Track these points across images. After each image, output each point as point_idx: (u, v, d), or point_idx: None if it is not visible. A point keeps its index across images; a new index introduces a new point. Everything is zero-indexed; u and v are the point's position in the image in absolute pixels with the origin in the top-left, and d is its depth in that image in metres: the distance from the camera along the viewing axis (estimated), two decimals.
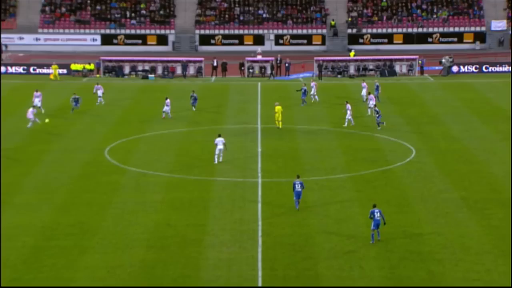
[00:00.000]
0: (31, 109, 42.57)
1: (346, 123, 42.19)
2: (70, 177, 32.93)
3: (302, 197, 28.88)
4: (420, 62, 63.55)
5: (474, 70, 63.29)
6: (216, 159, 35.07)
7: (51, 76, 60.53)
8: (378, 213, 25.83)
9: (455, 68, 63.03)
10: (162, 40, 79.14)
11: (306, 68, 65.16)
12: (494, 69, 63.14)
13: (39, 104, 45.64)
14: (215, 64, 63.96)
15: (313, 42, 79.46)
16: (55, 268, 23.61)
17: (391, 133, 41.56)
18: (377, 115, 41.90)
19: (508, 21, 76.88)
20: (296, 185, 28.59)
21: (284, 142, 39.83)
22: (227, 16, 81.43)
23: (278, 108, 43.13)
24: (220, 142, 35.30)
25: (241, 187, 31.59)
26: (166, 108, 44.81)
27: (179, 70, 63.93)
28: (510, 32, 76.33)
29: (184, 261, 24.27)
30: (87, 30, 78.31)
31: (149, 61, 64.19)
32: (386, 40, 78.97)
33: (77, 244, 25.41)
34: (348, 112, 42.42)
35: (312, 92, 50.07)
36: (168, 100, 45.10)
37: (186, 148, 38.40)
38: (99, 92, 49.90)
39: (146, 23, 79.76)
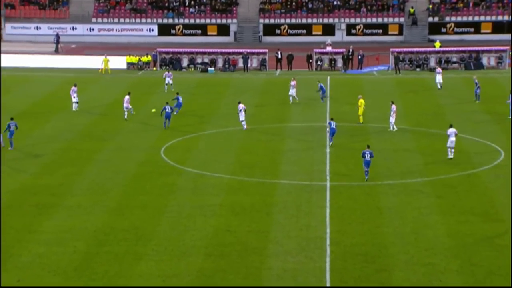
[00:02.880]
0: (127, 97, 43.43)
1: (391, 127, 41.11)
2: (124, 178, 33.62)
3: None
4: (511, 53, 61.88)
5: None
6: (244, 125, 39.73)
7: (101, 70, 61.81)
8: (369, 155, 32.07)
9: None
10: (223, 30, 79.82)
11: (381, 60, 64.49)
12: None
13: (76, 100, 46.36)
14: (280, 56, 64.08)
15: (389, 32, 78.50)
16: (108, 276, 24.15)
17: (477, 132, 40.68)
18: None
19: None
20: (366, 155, 32.56)
21: (355, 142, 39.55)
22: (294, 3, 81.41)
23: (361, 101, 43.21)
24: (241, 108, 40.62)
25: (308, 191, 31.57)
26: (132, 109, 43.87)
27: (241, 63, 64.33)
28: None
29: (245, 271, 24.42)
30: (143, 20, 79.76)
31: (209, 53, 64.87)
32: (472, 30, 77.26)
33: (131, 251, 25.92)
34: (392, 114, 40.98)
35: (290, 93, 48.46)
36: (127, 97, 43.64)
37: (248, 148, 38.65)
38: (168, 79, 52.72)
39: (206, 12, 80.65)
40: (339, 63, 63.72)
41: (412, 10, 78.39)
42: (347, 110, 47.46)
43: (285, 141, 40.16)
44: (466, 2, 78.30)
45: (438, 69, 54.44)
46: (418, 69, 62.58)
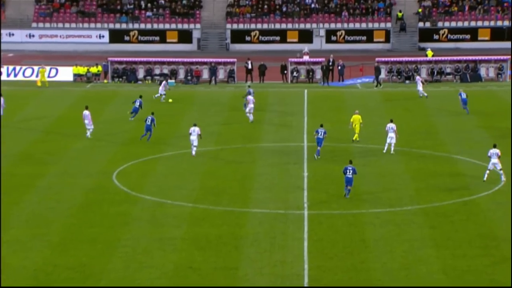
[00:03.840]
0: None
1: (386, 148, 41.40)
2: (69, 207, 33.37)
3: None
4: None
5: None
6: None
7: (38, 82, 61.41)
8: (351, 171, 33.44)
9: None
10: (185, 36, 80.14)
11: (365, 71, 65.17)
12: None
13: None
14: (250, 66, 64.43)
15: (375, 39, 79.50)
16: None
17: (475, 153, 41.18)
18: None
19: None
20: (348, 171, 33.71)
21: (337, 164, 39.77)
22: (266, 6, 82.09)
23: (356, 117, 43.58)
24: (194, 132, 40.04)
25: (283, 221, 31.61)
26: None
27: (205, 74, 64.51)
28: None
29: None
30: (92, 25, 79.73)
31: (169, 63, 65.00)
32: (468, 36, 78.55)
33: None
34: (391, 135, 41.05)
35: (247, 109, 48.57)
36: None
37: (214, 172, 38.65)
38: (162, 90, 54.20)
39: (165, 16, 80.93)
40: (318, 74, 64.24)
41: (400, 15, 79.35)
42: (327, 128, 47.69)
43: (257, 163, 40.23)
44: (461, 5, 79.48)
45: (418, 77, 55.65)
46: (407, 81, 63.30)
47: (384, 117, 50.19)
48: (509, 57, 63.23)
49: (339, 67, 63.57)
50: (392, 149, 41.57)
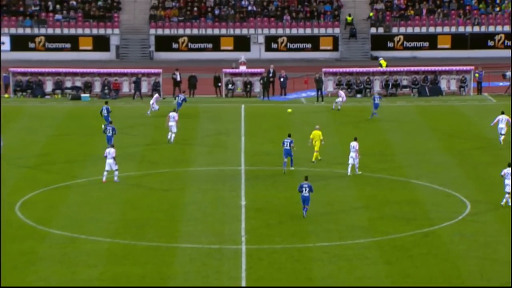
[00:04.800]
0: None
1: (349, 170, 42.11)
2: None
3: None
4: (476, 75, 64.24)
5: None
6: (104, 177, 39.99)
7: None
8: (307, 189, 35.05)
9: None
10: (101, 43, 79.74)
11: (310, 84, 65.74)
12: None
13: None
14: (178, 78, 64.39)
15: (321, 47, 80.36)
16: None
17: (435, 178, 41.77)
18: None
19: None
20: (304, 189, 35.22)
21: (279, 191, 39.90)
22: (196, 9, 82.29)
23: (316, 133, 44.34)
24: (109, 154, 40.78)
25: (217, 258, 31.55)
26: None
27: (126, 87, 64.21)
28: None
29: None
30: None
31: (83, 74, 64.53)
32: (426, 44, 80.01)
33: None
34: (353, 155, 41.92)
35: (169, 125, 48.86)
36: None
37: (136, 201, 38.41)
38: (154, 104, 55.93)
39: (78, 19, 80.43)
40: (257, 87, 64.56)
41: (349, 19, 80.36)
42: (268, 150, 47.94)
43: (187, 191, 40.12)
44: (418, 9, 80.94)
45: (340, 92, 58.46)
46: (359, 95, 64.06)
47: (332, 136, 50.63)
48: (473, 68, 64.46)
49: (281, 79, 63.99)
50: (357, 170, 41.99)
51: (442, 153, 46.94)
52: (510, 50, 78.07)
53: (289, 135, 43.40)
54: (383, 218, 35.93)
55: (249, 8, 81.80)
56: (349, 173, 42.03)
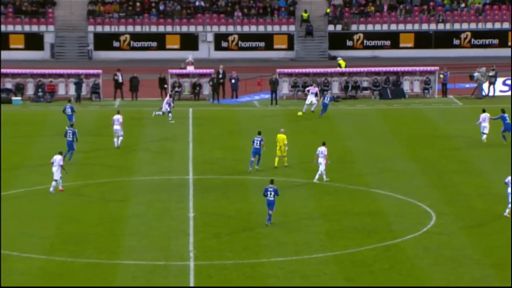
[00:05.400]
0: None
1: (316, 177, 42.39)
2: None
3: None
4: (441, 76, 64.85)
5: None
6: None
7: None
8: (272, 193, 35.61)
9: (496, 86, 64.45)
10: (34, 42, 79.18)
11: (263, 85, 65.85)
12: None
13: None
14: (120, 79, 64.13)
15: (275, 46, 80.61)
16: None
17: (398, 187, 42.07)
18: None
19: None
20: (269, 192, 35.78)
21: (230, 202, 39.90)
22: (138, 4, 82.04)
23: (280, 137, 44.66)
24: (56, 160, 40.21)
25: (163, 275, 31.47)
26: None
27: (62, 89, 63.76)
28: None
29: None
30: None
31: (14, 75, 63.97)
32: (388, 43, 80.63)
33: None
34: (321, 160, 42.25)
35: (115, 129, 49.10)
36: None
37: (74, 214, 38.16)
38: (166, 107, 55.62)
39: (8, 15, 79.71)
40: (206, 89, 64.51)
41: (305, 16, 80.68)
42: (218, 157, 47.92)
43: (129, 202, 39.97)
44: (379, 4, 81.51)
45: (312, 88, 58.97)
46: (315, 98, 64.23)
47: (288, 142, 50.69)
48: (437, 68, 65.07)
49: (232, 81, 64.02)
50: (324, 177, 42.17)
51: (405, 160, 47.29)
52: (476, 49, 79.00)
53: (259, 133, 44.46)
54: (343, 231, 36.08)
55: (197, 3, 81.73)
56: (315, 180, 42.20)
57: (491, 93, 63.85)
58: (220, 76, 64.18)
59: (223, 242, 34.80)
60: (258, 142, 43.87)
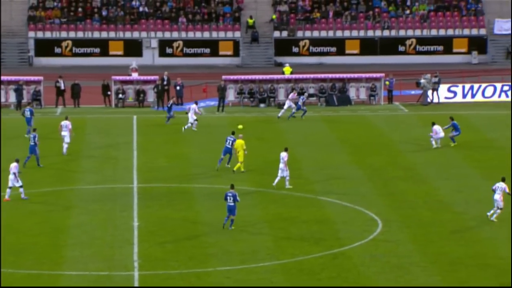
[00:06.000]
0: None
1: (276, 181, 42.57)
2: None
3: None
4: (387, 83, 65.32)
5: (470, 97, 65.55)
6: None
7: None
8: (232, 198, 36.15)
9: (440, 93, 65.05)
10: None
11: (209, 92, 65.78)
12: (500, 94, 65.56)
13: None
14: (62, 86, 63.63)
15: (221, 52, 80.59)
16: None
17: (345, 195, 42.24)
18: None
19: None
20: (229, 198, 36.43)
21: (175, 210, 39.77)
22: (80, 9, 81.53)
23: (239, 142, 45.13)
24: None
25: (107, 285, 31.22)
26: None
27: (2, 97, 63.10)
28: None
29: None
30: None
31: None
32: (334, 49, 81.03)
33: None
34: (282, 166, 42.48)
35: (64, 147, 49.28)
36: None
37: (12, 225, 37.72)
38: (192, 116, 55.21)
39: None
40: (150, 96, 64.26)
41: (251, 22, 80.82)
42: (163, 165, 47.75)
43: (72, 212, 39.64)
44: (325, 11, 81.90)
45: (292, 95, 59.93)
46: (262, 105, 64.41)
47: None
48: (383, 75, 65.49)
49: (177, 87, 63.86)
50: (287, 184, 42.36)
51: (351, 167, 47.51)
52: (421, 56, 79.68)
53: (233, 133, 46.01)
54: (289, 239, 36.12)
55: (141, 9, 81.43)
56: (274, 184, 42.47)
57: (435, 100, 64.39)
58: (165, 83, 63.96)
59: (168, 251, 34.66)
60: (230, 142, 45.14)
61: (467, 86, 65.52)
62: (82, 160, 48.90)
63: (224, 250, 34.75)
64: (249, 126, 57.68)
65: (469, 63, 78.79)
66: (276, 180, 42.63)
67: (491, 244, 35.41)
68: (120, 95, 64.04)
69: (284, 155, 42.53)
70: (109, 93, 63.94)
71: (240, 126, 49.09)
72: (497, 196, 37.72)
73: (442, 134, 50.45)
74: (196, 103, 57.12)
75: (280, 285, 31.44)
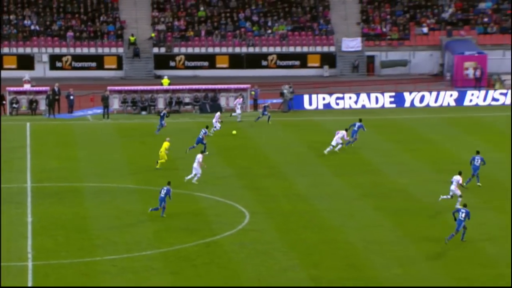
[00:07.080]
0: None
1: (189, 176, 42.95)
2: None
3: None
4: (253, 93, 65.90)
5: (323, 104, 66.74)
6: None
7: None
8: (164, 191, 37.37)
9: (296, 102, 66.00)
10: None
11: (96, 101, 65.10)
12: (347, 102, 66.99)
13: None
14: None
15: (106, 66, 79.74)
16: None
17: (217, 190, 42.50)
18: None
19: (363, 39, 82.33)
20: (162, 190, 37.56)
21: (65, 207, 39.28)
22: None
23: (165, 144, 46.16)
24: None
25: (4, 275, 30.60)
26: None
27: None
28: (366, 53, 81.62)
29: None
30: None
31: None
32: (206, 63, 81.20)
33: None
34: (195, 164, 42.86)
35: None
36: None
37: None
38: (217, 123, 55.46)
39: None
40: (42, 105, 63.17)
41: (132, 39, 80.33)
42: (54, 166, 47.06)
43: None
44: (197, 30, 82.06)
45: (239, 100, 60.98)
46: (143, 112, 64.13)
47: (118, 152, 50.40)
48: (249, 86, 66.10)
49: (71, 97, 63.00)
50: (194, 180, 42.89)
51: (222, 166, 47.81)
52: (281, 69, 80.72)
53: (207, 127, 49.97)
54: (168, 230, 36.16)
55: (32, 27, 79.96)
56: (191, 179, 43.07)
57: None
58: (56, 93, 63.02)
59: (59, 243, 34.23)
60: (202, 133, 48.57)
61: (320, 96, 66.76)
62: None
63: (110, 241, 34.53)
64: (132, 131, 57.36)
65: (321, 75, 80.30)
66: (189, 177, 42.96)
67: (341, 232, 36.21)
68: (14, 105, 62.74)
69: (199, 156, 42.89)
70: (4, 102, 62.56)
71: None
72: (453, 187, 38.89)
73: (340, 140, 49.60)
74: (221, 110, 59.65)
75: (160, 271, 31.45)
